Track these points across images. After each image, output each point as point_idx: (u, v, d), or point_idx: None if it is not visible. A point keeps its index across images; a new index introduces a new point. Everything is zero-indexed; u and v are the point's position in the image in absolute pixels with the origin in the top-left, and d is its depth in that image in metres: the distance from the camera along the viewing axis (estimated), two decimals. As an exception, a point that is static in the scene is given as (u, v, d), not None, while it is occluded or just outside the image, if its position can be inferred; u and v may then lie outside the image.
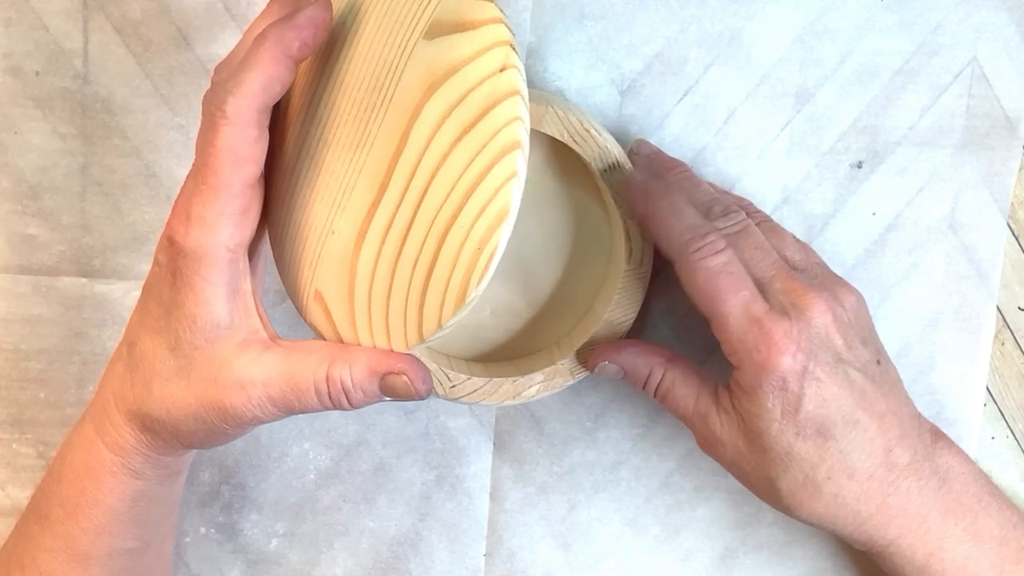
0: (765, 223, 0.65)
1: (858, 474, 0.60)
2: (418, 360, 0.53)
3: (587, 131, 0.63)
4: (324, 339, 0.56)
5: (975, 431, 0.72)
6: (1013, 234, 0.70)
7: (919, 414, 0.63)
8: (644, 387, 0.64)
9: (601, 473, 0.73)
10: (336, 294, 0.54)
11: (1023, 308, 0.71)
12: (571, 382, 0.67)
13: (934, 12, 0.68)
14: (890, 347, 0.64)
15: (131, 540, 0.61)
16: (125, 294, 0.70)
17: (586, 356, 0.66)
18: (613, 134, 0.66)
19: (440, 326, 0.50)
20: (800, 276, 0.61)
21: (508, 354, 0.70)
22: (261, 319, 0.56)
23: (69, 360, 0.71)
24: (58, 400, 0.71)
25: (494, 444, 0.72)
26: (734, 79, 0.69)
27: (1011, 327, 0.71)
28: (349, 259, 0.53)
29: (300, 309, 0.57)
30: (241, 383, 0.54)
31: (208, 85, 0.54)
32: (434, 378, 0.65)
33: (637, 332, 0.70)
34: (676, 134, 0.69)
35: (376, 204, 0.52)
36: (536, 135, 0.63)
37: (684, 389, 0.63)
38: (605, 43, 0.68)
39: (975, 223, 0.70)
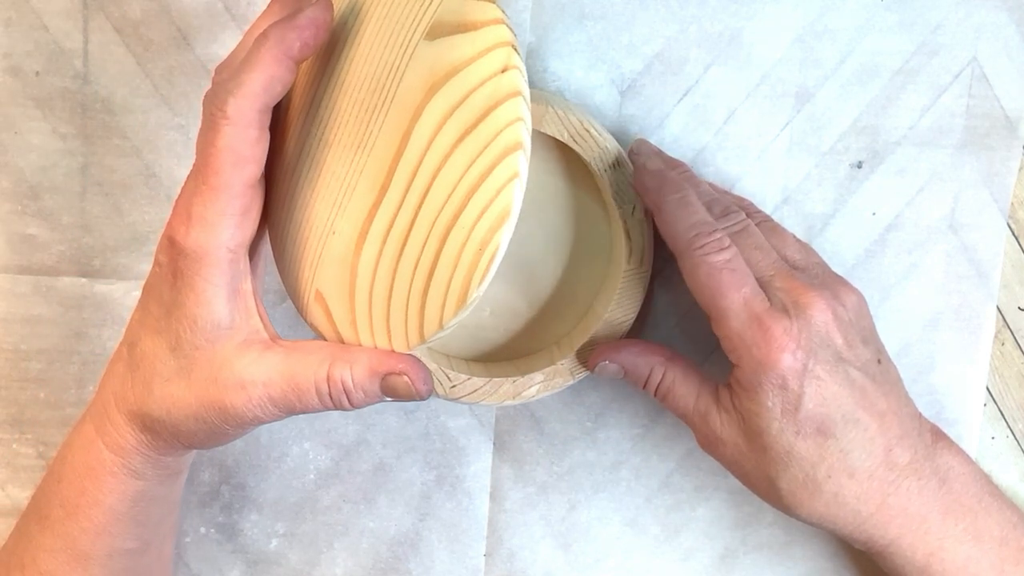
0: (765, 223, 0.65)
1: (858, 473, 0.60)
2: (419, 360, 0.53)
3: (587, 131, 0.63)
4: (325, 339, 0.56)
5: (975, 431, 0.72)
6: (1013, 234, 0.70)
7: (919, 414, 0.63)
8: (644, 386, 0.64)
9: (601, 473, 0.73)
10: (337, 294, 0.54)
11: (1023, 308, 0.71)
12: (571, 382, 0.67)
13: (934, 12, 0.68)
14: (890, 347, 0.64)
15: (131, 540, 0.61)
16: (125, 294, 0.70)
17: (586, 356, 0.66)
18: (613, 134, 0.66)
19: (441, 327, 0.50)
20: (800, 275, 0.61)
21: (508, 354, 0.70)
22: (262, 319, 0.56)
23: (69, 360, 0.71)
24: (58, 400, 0.71)
25: (494, 444, 0.72)
26: (734, 79, 0.69)
27: (1011, 327, 0.71)
28: (350, 259, 0.53)
29: (301, 309, 0.57)
30: (242, 383, 0.54)
31: (208, 85, 0.54)
32: (434, 378, 0.65)
33: (637, 332, 0.70)
34: (676, 134, 0.69)
35: (377, 205, 0.52)
36: (536, 135, 0.63)
37: (684, 388, 0.63)
38: (605, 43, 0.68)
39: (975, 223, 0.70)
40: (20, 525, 0.63)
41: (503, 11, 0.50)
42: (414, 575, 0.74)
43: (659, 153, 0.67)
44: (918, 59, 0.69)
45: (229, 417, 0.55)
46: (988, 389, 0.72)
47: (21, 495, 0.72)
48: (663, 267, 0.68)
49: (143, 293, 0.57)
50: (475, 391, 0.66)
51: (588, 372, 0.66)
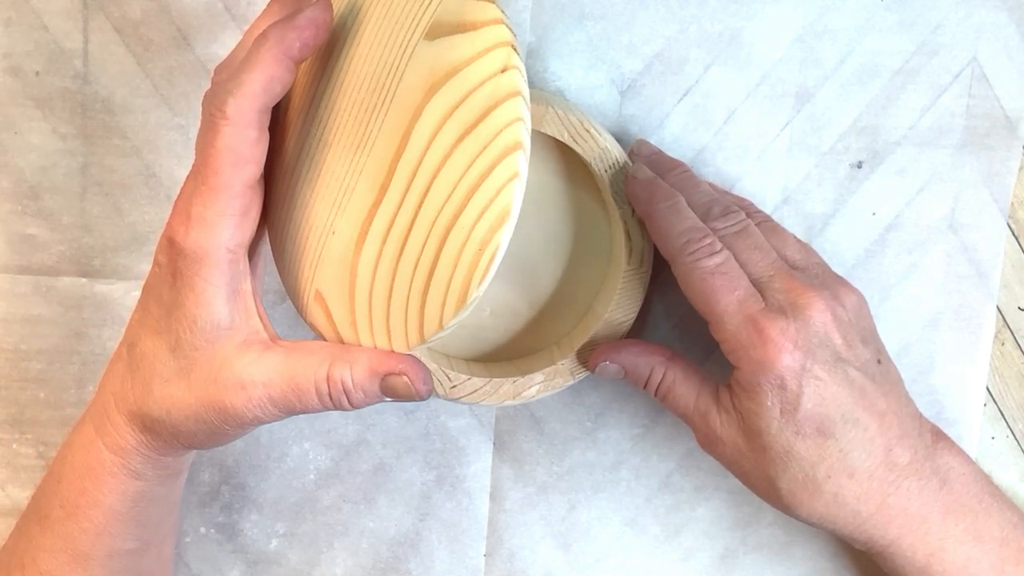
0: (765, 223, 0.65)
1: (858, 473, 0.60)
2: (419, 361, 0.53)
3: (587, 131, 0.63)
4: (324, 339, 0.56)
5: (975, 431, 0.72)
6: (1013, 234, 0.70)
7: (920, 414, 0.63)
8: (645, 386, 0.64)
9: (601, 473, 0.73)
10: (337, 294, 0.54)
11: (1023, 308, 0.71)
12: (571, 382, 0.67)
13: (934, 12, 0.68)
14: (890, 347, 0.64)
15: (131, 540, 0.61)
16: (125, 294, 0.70)
17: (586, 356, 0.66)
18: (613, 134, 0.66)
19: (441, 327, 0.50)
20: (800, 275, 0.61)
21: (508, 354, 0.70)
22: (261, 319, 0.56)
23: (69, 360, 0.71)
24: (58, 400, 0.71)
25: (494, 444, 0.72)
26: (734, 79, 0.69)
27: (1011, 327, 0.71)
28: (350, 259, 0.53)
29: (300, 309, 0.57)
30: (242, 383, 0.54)
31: (208, 85, 0.54)
32: (434, 378, 0.65)
33: (637, 332, 0.70)
34: (676, 134, 0.69)
35: (377, 205, 0.52)
36: (536, 135, 0.63)
37: (684, 388, 0.63)
38: (605, 43, 0.68)
39: (975, 223, 0.70)
40: (20, 525, 0.63)
41: (503, 11, 0.50)
42: (414, 575, 0.74)
43: (659, 154, 0.67)
44: (918, 59, 0.69)
45: (229, 417, 0.55)
46: (988, 389, 0.72)
47: (21, 495, 0.72)
48: (663, 267, 0.68)
49: (143, 293, 0.57)
50: (475, 391, 0.66)
51: (588, 372, 0.66)
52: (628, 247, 0.65)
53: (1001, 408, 0.72)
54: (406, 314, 0.52)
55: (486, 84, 0.49)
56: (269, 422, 0.55)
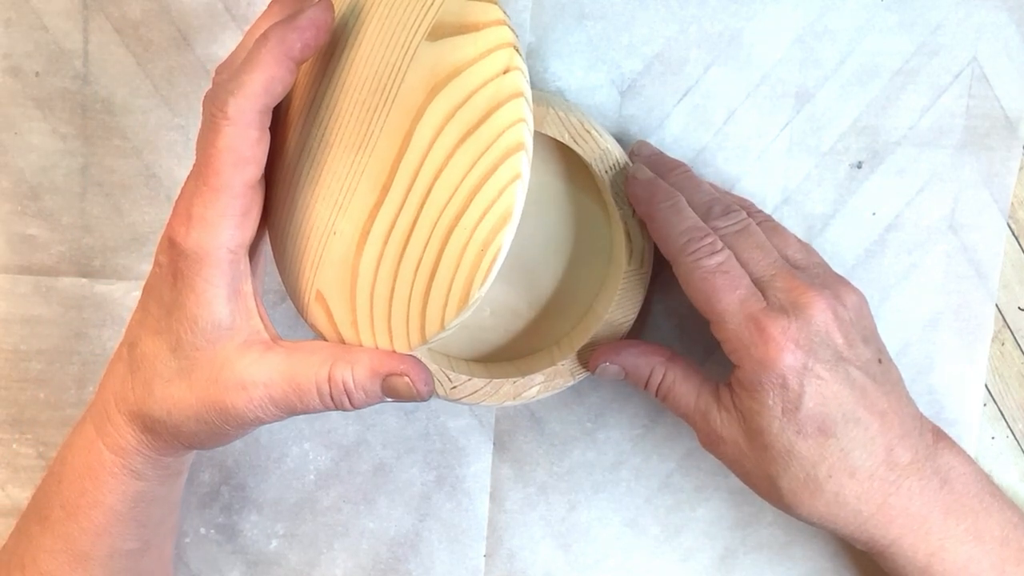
0: (766, 223, 0.65)
1: (859, 473, 0.60)
2: (420, 361, 0.53)
3: (588, 132, 0.63)
4: (325, 340, 0.56)
5: (975, 431, 0.72)
6: (1013, 234, 0.70)
7: (920, 414, 0.63)
8: (645, 387, 0.64)
9: (601, 473, 0.73)
10: (338, 295, 0.54)
11: (1023, 308, 0.71)
12: (571, 383, 0.67)
13: (934, 12, 0.68)
14: (890, 347, 0.64)
15: (132, 540, 0.61)
16: (125, 294, 0.70)
17: (586, 357, 0.66)
18: (613, 134, 0.66)
19: (443, 327, 0.50)
20: (801, 275, 0.61)
21: (509, 355, 0.70)
22: (262, 320, 0.56)
23: (69, 360, 0.71)
24: (58, 400, 0.71)
25: (494, 444, 0.72)
26: (734, 79, 0.69)
27: (1011, 327, 0.71)
28: (351, 260, 0.53)
29: (301, 310, 0.57)
30: (243, 384, 0.54)
31: (208, 86, 0.54)
32: (435, 379, 0.65)
33: (637, 333, 0.70)
34: (676, 134, 0.69)
35: (378, 205, 0.52)
36: (537, 136, 0.63)
37: (685, 387, 0.63)
38: (605, 43, 0.68)
39: (975, 223, 0.70)
40: (20, 525, 0.63)
41: (505, 12, 0.50)
42: None
43: (660, 155, 0.67)
44: (918, 59, 0.69)
45: (230, 418, 0.55)
46: (988, 389, 0.72)
47: (21, 495, 0.72)
48: (663, 268, 0.68)
49: (143, 294, 0.57)
50: (475, 392, 0.66)
51: (588, 373, 0.66)
52: (628, 248, 0.65)
53: (1001, 408, 0.72)
54: (408, 314, 0.52)
55: (488, 85, 0.49)
56: (270, 422, 0.55)
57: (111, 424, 0.58)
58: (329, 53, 0.56)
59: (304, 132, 0.56)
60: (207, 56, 0.68)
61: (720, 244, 0.60)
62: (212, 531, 0.73)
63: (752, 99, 0.69)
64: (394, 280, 0.52)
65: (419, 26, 0.51)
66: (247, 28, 0.64)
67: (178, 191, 0.54)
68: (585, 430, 0.72)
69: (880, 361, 0.61)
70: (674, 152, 0.69)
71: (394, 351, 0.53)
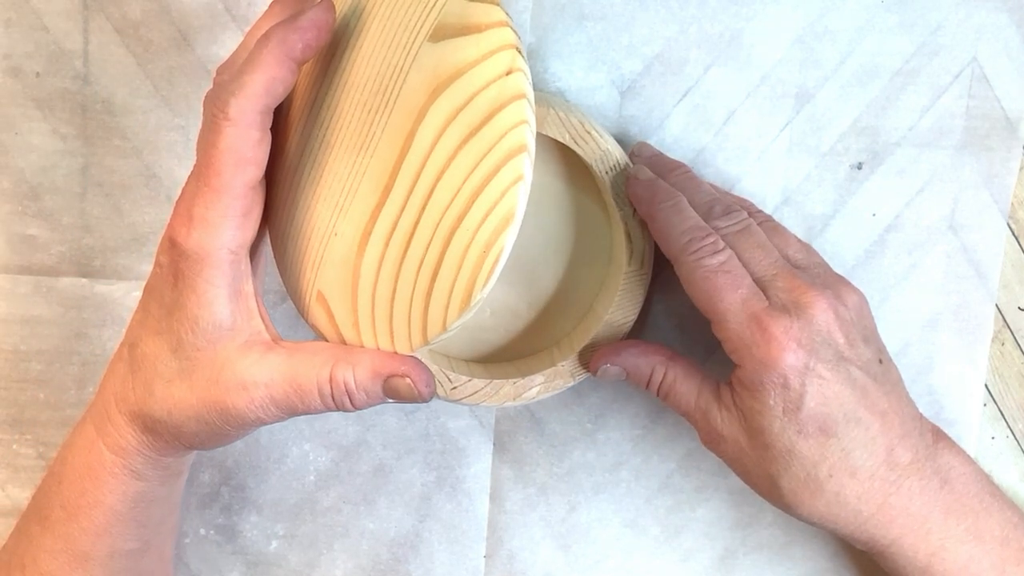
0: (767, 223, 0.65)
1: (860, 473, 0.60)
2: (422, 363, 0.53)
3: (588, 132, 0.63)
4: (326, 340, 0.56)
5: (975, 431, 0.72)
6: (1013, 234, 0.70)
7: (920, 414, 0.63)
8: (647, 386, 0.64)
9: (601, 474, 0.73)
10: (339, 296, 0.54)
11: (1023, 308, 0.71)
12: (571, 383, 0.67)
13: (934, 13, 0.68)
14: (890, 347, 0.64)
15: (132, 541, 0.61)
16: (125, 295, 0.70)
17: (587, 357, 0.66)
18: (613, 135, 0.66)
19: (445, 329, 0.50)
20: (802, 275, 0.61)
21: (509, 355, 0.70)
22: (263, 320, 0.56)
23: (69, 361, 0.71)
24: (58, 401, 0.71)
25: (494, 445, 0.72)
26: (734, 80, 0.69)
27: (1011, 327, 0.71)
28: (352, 261, 0.53)
29: (302, 310, 0.57)
30: (243, 384, 0.54)
31: (209, 86, 0.54)
32: (435, 379, 0.65)
33: (637, 333, 0.70)
34: (676, 135, 0.69)
35: (380, 206, 0.52)
36: (537, 137, 0.63)
37: (686, 386, 0.63)
38: (605, 44, 0.68)
39: (975, 223, 0.70)
40: (20, 526, 0.63)
41: (507, 14, 0.50)
42: (414, 576, 0.74)
43: (660, 156, 0.67)
44: (918, 60, 0.69)
45: (231, 418, 0.55)
46: (988, 389, 0.72)
47: (21, 495, 0.72)
48: (663, 269, 0.68)
49: (144, 294, 0.57)
50: (476, 392, 0.66)
51: (588, 374, 0.66)
52: (629, 248, 0.65)
53: (1001, 408, 0.72)
54: (409, 316, 0.52)
55: (491, 87, 0.49)
56: (271, 423, 0.55)
57: (111, 424, 0.58)
58: (330, 54, 0.56)
59: (305, 133, 0.56)
60: (207, 56, 0.68)
61: (722, 244, 0.60)
62: (212, 532, 0.73)
63: (752, 99, 0.69)
64: (396, 281, 0.52)
65: (421, 27, 0.51)
66: (247, 28, 0.64)
67: (178, 191, 0.54)
68: (585, 431, 0.72)
69: (881, 361, 0.61)
70: (674, 152, 0.69)
71: (396, 352, 0.53)
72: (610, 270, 0.68)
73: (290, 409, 0.54)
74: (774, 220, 0.66)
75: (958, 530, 0.62)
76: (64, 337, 0.71)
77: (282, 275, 0.58)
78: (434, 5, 0.51)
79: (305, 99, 0.57)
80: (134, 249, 0.70)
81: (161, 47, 0.68)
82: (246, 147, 0.52)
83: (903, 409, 0.61)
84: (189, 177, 0.54)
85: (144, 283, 0.57)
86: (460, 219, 0.49)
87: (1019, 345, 0.71)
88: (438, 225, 0.50)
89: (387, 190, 0.52)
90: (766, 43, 0.68)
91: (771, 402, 0.59)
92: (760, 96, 0.69)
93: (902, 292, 0.71)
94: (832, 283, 0.62)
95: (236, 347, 0.54)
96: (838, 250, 0.70)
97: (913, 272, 0.70)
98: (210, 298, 0.53)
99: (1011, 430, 0.72)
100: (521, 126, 0.48)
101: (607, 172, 0.64)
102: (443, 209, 0.50)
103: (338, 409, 0.54)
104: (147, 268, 0.69)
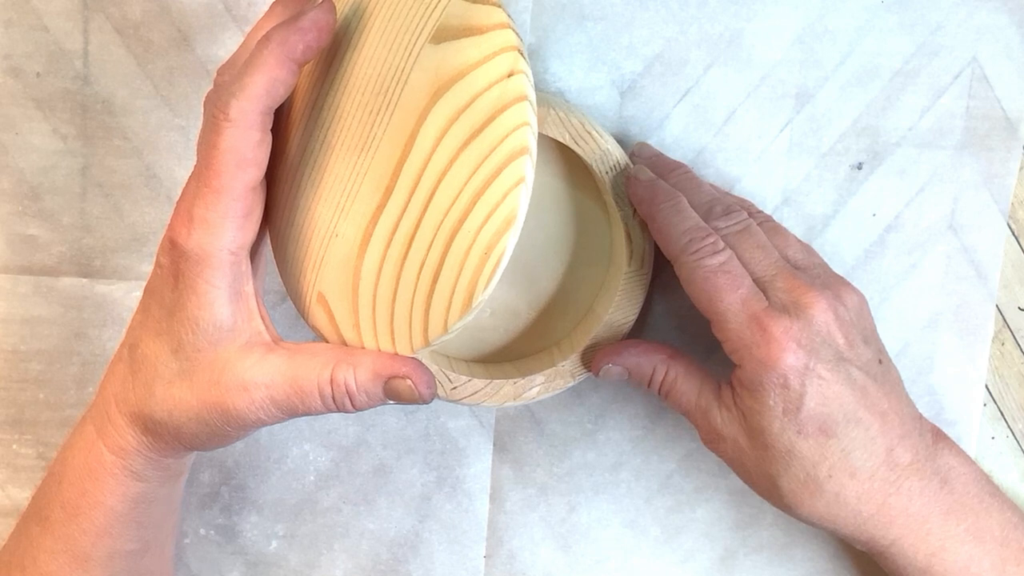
0: (767, 223, 0.65)
1: (860, 473, 0.60)
2: (422, 364, 0.53)
3: (588, 133, 0.63)
4: (327, 341, 0.56)
5: (975, 431, 0.72)
6: (1013, 234, 0.70)
7: (920, 415, 0.63)
8: (648, 385, 0.64)
9: (601, 474, 0.73)
10: (340, 297, 0.54)
11: (1023, 308, 0.71)
12: (571, 383, 0.67)
13: (934, 13, 0.68)
14: (890, 347, 0.64)
15: (132, 541, 0.61)
16: (126, 295, 0.70)
17: (587, 357, 0.66)
18: (613, 135, 0.66)
19: (446, 330, 0.50)
20: (802, 275, 0.61)
21: (509, 355, 0.70)
22: (264, 321, 0.56)
23: (69, 361, 0.71)
24: (58, 401, 0.71)
25: (494, 445, 0.72)
26: (734, 80, 0.69)
27: (1011, 327, 0.71)
28: (353, 262, 0.53)
29: (302, 311, 0.57)
30: (244, 385, 0.54)
31: (209, 86, 0.54)
32: (435, 380, 0.65)
33: (637, 334, 0.70)
34: (676, 135, 0.69)
35: (381, 207, 0.52)
36: (538, 137, 0.63)
37: (687, 385, 0.63)
38: (605, 44, 0.68)
39: (975, 224, 0.70)
40: (20, 526, 0.63)
41: (509, 15, 0.50)
42: (414, 576, 0.74)
43: (660, 156, 0.67)
44: (918, 60, 0.69)
45: (231, 419, 0.55)
46: (988, 389, 0.72)
47: (21, 495, 0.72)
48: (663, 269, 0.68)
49: (144, 294, 0.57)
50: (476, 392, 0.66)
51: (589, 374, 0.66)
52: (629, 249, 0.65)
53: (1001, 408, 0.72)
54: (410, 317, 0.52)
55: (492, 88, 0.49)
56: (271, 424, 0.55)
57: (112, 425, 0.58)
58: (331, 55, 0.56)
59: (306, 134, 0.56)
60: (207, 56, 0.68)
61: (722, 244, 0.60)
62: (212, 532, 0.73)
63: (752, 99, 0.69)
64: (397, 282, 0.52)
65: (422, 29, 0.51)
66: (248, 29, 0.64)
67: (179, 191, 0.54)
68: (585, 431, 0.72)
69: (880, 361, 0.61)
70: (674, 153, 0.69)
71: (396, 353, 0.53)
72: (610, 270, 0.68)
73: (291, 410, 0.54)
74: (774, 220, 0.66)
75: (958, 530, 0.62)
76: (64, 337, 0.71)
77: (282, 276, 0.58)
78: (435, 7, 0.51)
79: (306, 100, 0.57)
80: (134, 249, 0.70)
81: (161, 47, 0.68)
82: (247, 148, 0.52)
83: (903, 409, 0.61)
84: (189, 178, 0.54)
85: (144, 283, 0.57)
86: (461, 221, 0.49)
87: (1019, 345, 0.71)
88: (439, 227, 0.50)
89: (388, 191, 0.52)
90: (766, 43, 0.68)
91: (771, 402, 0.59)
92: (760, 96, 0.69)
93: (902, 292, 0.71)
94: (832, 283, 0.62)
95: (237, 348, 0.54)
96: (838, 250, 0.70)
97: (913, 272, 0.70)
98: (211, 299, 0.53)
99: (1011, 430, 0.72)
100: (523, 128, 0.48)
101: (607, 172, 0.64)
102: (444, 211, 0.50)
103: (339, 410, 0.54)
104: (147, 268, 0.69)
